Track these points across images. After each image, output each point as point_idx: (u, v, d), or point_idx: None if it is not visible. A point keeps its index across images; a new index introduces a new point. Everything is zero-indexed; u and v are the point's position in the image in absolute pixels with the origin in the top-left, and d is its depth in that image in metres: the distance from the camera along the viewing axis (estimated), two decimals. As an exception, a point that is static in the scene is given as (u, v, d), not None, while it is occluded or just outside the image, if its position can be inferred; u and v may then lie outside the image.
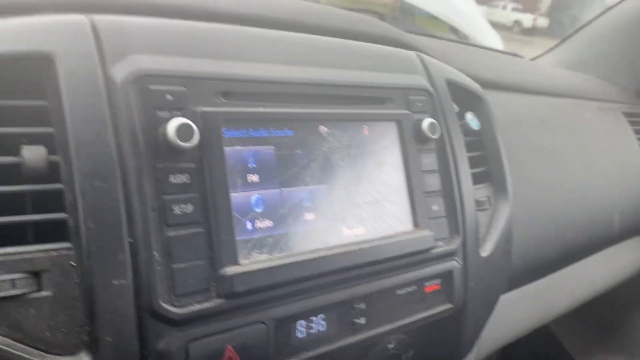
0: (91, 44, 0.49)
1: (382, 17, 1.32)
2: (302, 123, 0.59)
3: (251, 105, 0.55)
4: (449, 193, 0.72)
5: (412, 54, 0.76)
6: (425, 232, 0.67)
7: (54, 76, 0.47)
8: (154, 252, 0.47)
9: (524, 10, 16.98)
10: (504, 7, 16.63)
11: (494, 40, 1.70)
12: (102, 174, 0.46)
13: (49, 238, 0.46)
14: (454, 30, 1.78)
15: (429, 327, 0.71)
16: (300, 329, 0.57)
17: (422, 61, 0.76)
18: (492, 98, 0.89)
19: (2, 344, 0.41)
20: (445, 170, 0.72)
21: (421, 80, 0.72)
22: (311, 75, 0.61)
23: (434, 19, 1.81)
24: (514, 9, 16.86)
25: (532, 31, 15.73)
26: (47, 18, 0.49)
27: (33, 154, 0.45)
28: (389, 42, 0.77)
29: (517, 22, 16.51)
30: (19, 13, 0.49)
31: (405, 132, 0.67)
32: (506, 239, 0.83)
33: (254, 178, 0.54)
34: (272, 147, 0.56)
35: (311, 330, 0.58)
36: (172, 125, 0.48)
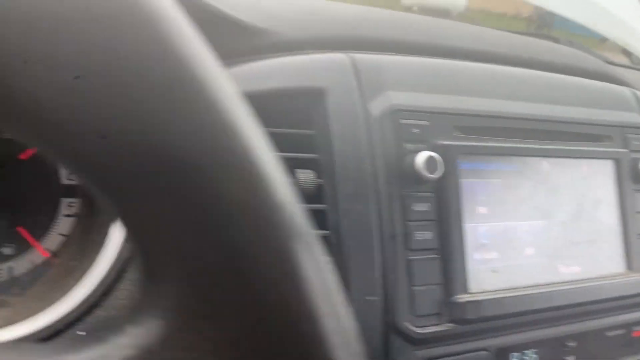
0: (352, 80, 0.54)
1: (556, 40, 1.29)
2: (527, 158, 0.60)
3: (482, 140, 0.58)
4: (662, 236, 0.69)
5: (625, 90, 0.74)
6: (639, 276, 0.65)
7: (323, 109, 0.53)
8: (398, 273, 0.51)
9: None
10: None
11: (674, 66, 1.58)
12: (360, 197, 0.51)
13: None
14: (626, 53, 1.68)
15: (631, 373, 0.69)
16: (515, 360, 0.58)
17: (637, 98, 0.74)
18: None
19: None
20: (660, 213, 0.69)
21: (638, 119, 0.70)
22: (536, 111, 0.62)
23: (603, 40, 1.72)
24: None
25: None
26: (315, 56, 0.55)
27: (305, 177, 0.51)
28: (599, 77, 0.76)
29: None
30: (289, 51, 0.56)
31: (622, 171, 0.66)
32: None
33: (483, 210, 0.57)
34: (500, 180, 0.58)
35: (524, 363, 0.59)
36: (421, 158, 0.52)
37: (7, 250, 0.56)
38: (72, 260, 0.49)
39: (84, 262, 0.46)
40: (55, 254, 0.57)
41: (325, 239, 0.51)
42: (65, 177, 0.58)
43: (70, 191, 0.59)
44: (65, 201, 0.58)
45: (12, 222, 0.56)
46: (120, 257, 0.45)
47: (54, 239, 0.58)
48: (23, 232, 0.56)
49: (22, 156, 0.56)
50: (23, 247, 0.57)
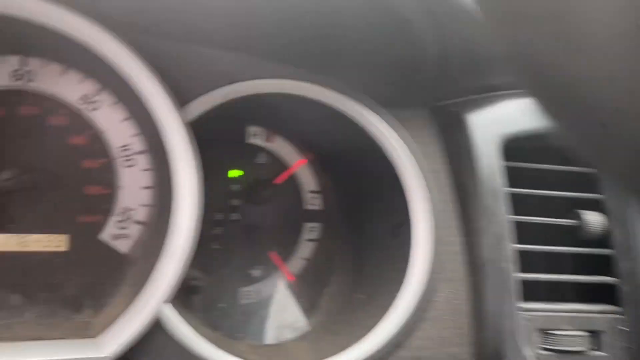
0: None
1: None
2: None
3: None
4: None
5: None
6: None
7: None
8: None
9: None
10: None
11: None
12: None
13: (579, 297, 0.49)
14: None
15: None
16: None
17: None
18: None
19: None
20: None
21: None
22: None
23: None
24: None
25: None
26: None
27: (594, 220, 0.48)
28: None
29: None
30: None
31: None
32: None
33: None
34: None
35: None
36: None
37: (256, 273, 0.56)
38: (363, 295, 0.48)
39: (381, 298, 0.45)
40: (298, 278, 0.57)
41: (611, 287, 0.48)
42: (308, 202, 0.58)
43: (311, 216, 0.58)
44: (307, 225, 0.58)
45: (262, 246, 0.56)
46: (424, 297, 0.43)
47: (296, 263, 0.57)
48: (273, 256, 0.56)
49: (276, 181, 0.56)
50: (270, 270, 0.56)
